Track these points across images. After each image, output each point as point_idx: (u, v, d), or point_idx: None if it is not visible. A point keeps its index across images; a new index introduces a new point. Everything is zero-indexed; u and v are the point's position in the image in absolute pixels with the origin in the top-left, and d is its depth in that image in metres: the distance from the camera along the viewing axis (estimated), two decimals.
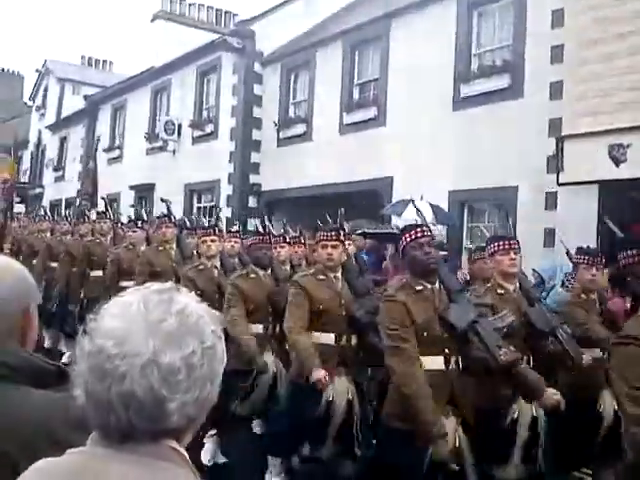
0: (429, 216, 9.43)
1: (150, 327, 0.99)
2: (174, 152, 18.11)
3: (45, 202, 25.43)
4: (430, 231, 3.62)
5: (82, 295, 8.15)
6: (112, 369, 0.97)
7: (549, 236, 9.16)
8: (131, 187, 19.60)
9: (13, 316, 1.43)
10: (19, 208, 18.58)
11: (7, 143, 34.13)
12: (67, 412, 1.27)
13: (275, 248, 5.70)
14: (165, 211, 7.48)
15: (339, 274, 4.52)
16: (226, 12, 22.64)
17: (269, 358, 4.92)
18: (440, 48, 11.28)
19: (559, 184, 8.83)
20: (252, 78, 15.83)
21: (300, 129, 14.59)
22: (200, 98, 17.59)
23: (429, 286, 3.47)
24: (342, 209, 5.04)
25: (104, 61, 32.90)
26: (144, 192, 19.20)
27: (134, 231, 7.90)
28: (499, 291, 4.07)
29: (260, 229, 5.73)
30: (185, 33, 19.93)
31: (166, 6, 20.83)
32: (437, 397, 3.25)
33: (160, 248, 7.12)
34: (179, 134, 17.91)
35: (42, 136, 28.97)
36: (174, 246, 7.00)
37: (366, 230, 9.50)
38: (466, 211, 11.07)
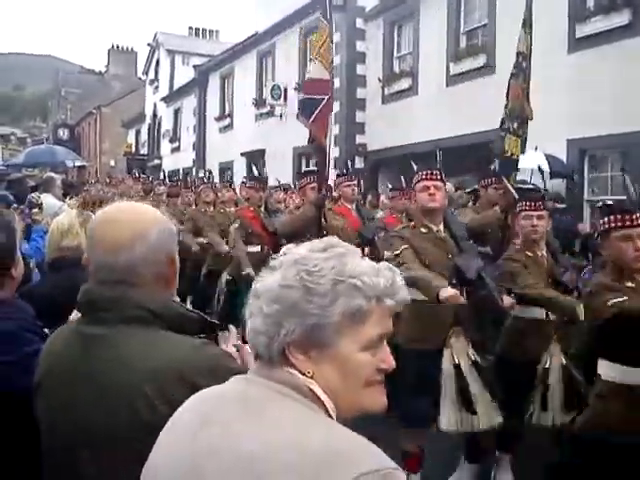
0: (544, 168, 8.93)
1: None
2: (281, 116, 18.22)
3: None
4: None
5: None
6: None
7: None
8: (242, 154, 19.98)
9: (160, 263, 1.52)
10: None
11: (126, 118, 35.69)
12: (201, 359, 1.42)
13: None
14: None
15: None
16: None
17: None
18: None
19: None
20: (354, 35, 15.52)
21: (405, 83, 14.19)
22: (304, 60, 17.49)
23: None
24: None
25: (210, 31, 33.55)
26: (255, 158, 19.52)
27: None
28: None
29: None
30: None
31: None
32: None
33: None
34: (285, 98, 17.97)
35: (157, 109, 30.10)
36: None
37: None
38: (587, 161, 10.37)
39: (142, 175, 14.16)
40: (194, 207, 9.14)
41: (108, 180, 15.93)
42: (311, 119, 5.32)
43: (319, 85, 5.41)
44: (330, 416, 1.09)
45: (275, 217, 7.07)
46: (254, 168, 8.14)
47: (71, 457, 1.43)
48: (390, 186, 8.02)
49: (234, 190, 8.70)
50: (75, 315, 1.98)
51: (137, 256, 1.47)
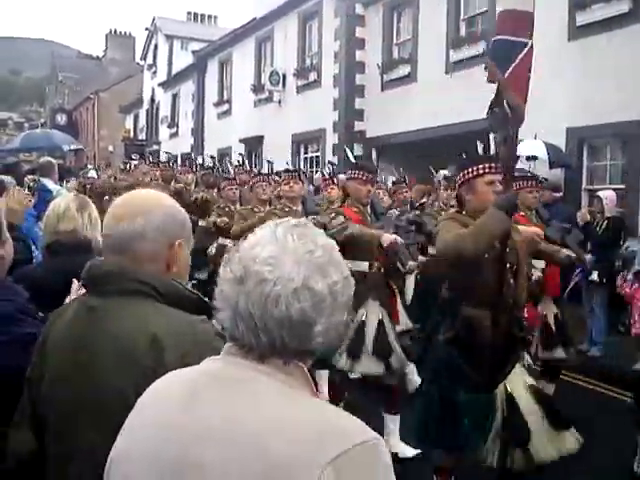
0: (543, 156, 8.91)
1: (300, 256, 1.07)
2: (280, 103, 18.15)
3: (162, 158, 26.45)
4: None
5: None
6: (268, 292, 1.04)
7: None
8: (241, 140, 19.91)
9: (158, 243, 1.55)
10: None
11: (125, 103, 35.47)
12: (197, 334, 1.46)
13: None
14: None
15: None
16: None
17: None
18: None
19: None
20: (354, 20, 15.42)
21: (404, 70, 14.13)
22: (302, 46, 17.42)
23: None
24: None
25: (209, 16, 33.36)
26: (253, 144, 19.46)
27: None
28: None
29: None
30: None
31: None
32: None
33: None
34: (284, 84, 17.89)
35: (155, 94, 29.95)
36: None
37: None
38: (585, 149, 10.34)
39: (161, 161, 13.51)
40: (239, 206, 7.50)
41: (123, 167, 15.69)
42: (508, 71, 3.24)
43: (518, 21, 3.31)
44: (312, 393, 1.12)
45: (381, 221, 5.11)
46: (348, 152, 6.52)
47: (70, 425, 1.47)
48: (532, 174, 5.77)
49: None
50: (69, 299, 1.99)
51: (135, 229, 1.52)
